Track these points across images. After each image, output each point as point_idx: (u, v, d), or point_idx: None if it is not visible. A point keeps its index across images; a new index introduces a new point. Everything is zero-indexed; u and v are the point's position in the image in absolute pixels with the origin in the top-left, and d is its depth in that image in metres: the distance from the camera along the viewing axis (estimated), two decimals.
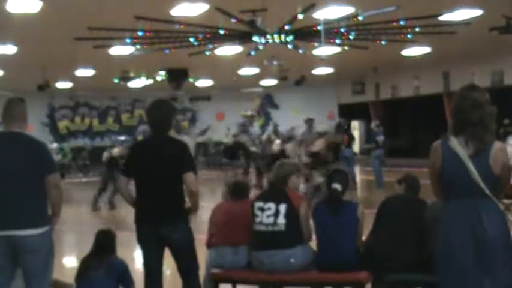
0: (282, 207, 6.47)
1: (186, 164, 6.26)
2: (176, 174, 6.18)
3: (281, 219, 6.43)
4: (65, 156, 26.55)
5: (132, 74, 27.21)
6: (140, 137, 32.48)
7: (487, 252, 4.64)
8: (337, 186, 6.62)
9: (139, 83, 28.97)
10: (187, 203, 6.36)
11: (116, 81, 27.71)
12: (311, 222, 6.66)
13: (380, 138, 21.39)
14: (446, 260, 4.80)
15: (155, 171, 6.20)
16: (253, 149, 19.12)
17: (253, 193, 7.97)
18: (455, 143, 4.75)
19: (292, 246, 6.40)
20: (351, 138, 21.07)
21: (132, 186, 6.40)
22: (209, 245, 7.13)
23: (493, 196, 4.68)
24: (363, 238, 6.67)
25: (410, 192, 6.85)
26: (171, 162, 6.21)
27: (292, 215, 6.46)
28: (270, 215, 6.47)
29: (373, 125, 22.69)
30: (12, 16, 14.98)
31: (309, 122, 18.39)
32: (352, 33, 18.66)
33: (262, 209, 6.54)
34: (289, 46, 18.87)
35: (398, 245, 6.19)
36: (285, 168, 6.93)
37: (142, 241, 6.32)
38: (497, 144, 4.75)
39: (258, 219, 6.53)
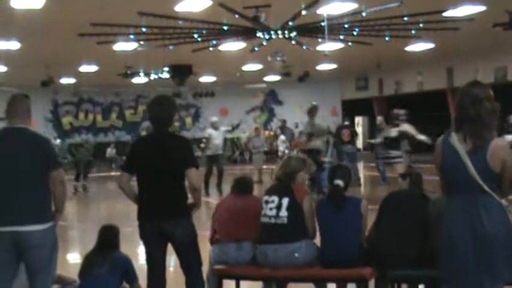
0: (285, 200, 6.50)
1: (188, 159, 6.27)
2: (178, 170, 6.19)
3: (283, 212, 6.45)
4: (70, 152, 26.22)
5: (138, 70, 27.19)
6: (144, 133, 32.58)
7: (486, 249, 4.62)
8: (339, 182, 6.62)
9: (142, 79, 28.97)
10: (190, 199, 6.37)
11: (120, 76, 27.67)
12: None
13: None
14: (448, 256, 4.80)
15: (157, 167, 6.20)
16: (421, 137, 17.96)
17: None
18: (454, 139, 4.75)
19: (296, 240, 6.40)
20: (354, 134, 21.05)
21: (133, 182, 6.41)
22: (212, 241, 7.13)
23: (493, 192, 4.67)
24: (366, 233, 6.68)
25: (414, 187, 6.85)
26: (173, 158, 6.21)
27: (294, 208, 6.48)
28: (272, 208, 6.51)
29: (379, 121, 22.65)
30: (16, 12, 15.02)
31: (405, 116, 17.73)
32: (356, 29, 18.66)
33: (266, 202, 6.59)
34: (293, 42, 18.87)
35: (401, 241, 6.19)
36: (293, 164, 6.94)
37: (145, 237, 6.33)
38: (496, 141, 4.72)
39: (263, 212, 6.58)
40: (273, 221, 6.47)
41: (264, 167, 25.32)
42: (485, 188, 4.63)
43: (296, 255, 6.37)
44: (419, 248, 6.12)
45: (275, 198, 6.55)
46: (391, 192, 7.03)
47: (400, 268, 6.15)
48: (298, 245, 6.40)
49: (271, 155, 31.61)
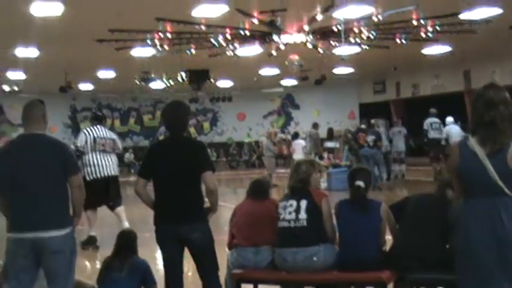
0: (303, 203, 6.51)
1: (203, 163, 6.29)
2: (194, 174, 6.20)
3: (303, 215, 6.46)
4: None
5: (152, 75, 27.26)
6: (161, 138, 32.65)
7: (508, 252, 4.55)
8: (360, 183, 6.63)
9: (160, 84, 29.04)
10: (207, 203, 6.39)
11: (137, 82, 27.74)
12: (334, 220, 6.69)
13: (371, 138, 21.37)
14: (466, 260, 4.72)
15: (173, 172, 6.22)
16: None
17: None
18: (473, 142, 4.67)
19: (315, 243, 6.40)
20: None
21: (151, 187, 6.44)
22: (231, 246, 7.15)
23: None
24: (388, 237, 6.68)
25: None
26: (188, 162, 6.23)
27: (313, 210, 6.49)
28: (291, 211, 6.52)
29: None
30: (35, 19, 15.10)
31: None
32: (372, 33, 18.65)
33: (284, 207, 6.60)
34: (309, 46, 18.88)
35: (421, 244, 6.18)
36: (304, 169, 6.94)
37: (162, 242, 6.34)
38: None
39: (281, 217, 6.59)
40: (292, 224, 6.48)
41: (281, 170, 25.29)
42: (506, 190, 4.56)
43: (314, 258, 6.37)
44: (439, 251, 6.10)
45: (293, 202, 6.57)
46: (412, 195, 7.02)
47: (420, 271, 6.13)
48: (317, 249, 6.40)
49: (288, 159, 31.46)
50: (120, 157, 35.26)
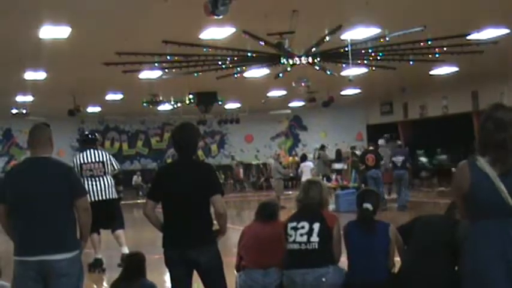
0: (316, 226, 6.50)
1: (213, 186, 6.28)
2: (203, 197, 6.20)
3: (315, 238, 6.45)
4: None
5: (160, 98, 27.28)
6: (169, 160, 32.65)
7: None
8: (368, 205, 6.63)
9: (168, 106, 29.07)
10: (215, 226, 6.37)
11: (144, 104, 27.72)
12: (343, 242, 6.68)
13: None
14: (476, 281, 4.63)
15: (182, 195, 6.20)
16: None
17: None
18: (483, 163, 4.60)
19: (324, 265, 6.41)
20: (379, 159, 20.98)
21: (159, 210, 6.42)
22: (239, 268, 7.13)
23: None
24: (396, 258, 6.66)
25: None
26: (198, 185, 6.22)
27: (325, 234, 6.48)
28: (303, 234, 6.51)
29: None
30: (43, 42, 15.16)
31: None
32: (380, 54, 18.67)
33: (295, 229, 6.58)
34: (317, 67, 18.89)
35: (429, 266, 6.15)
36: (317, 189, 6.92)
37: (171, 265, 6.32)
38: None
39: (291, 239, 6.57)
40: (303, 247, 6.47)
41: (289, 192, 25.21)
42: None
43: (323, 279, 6.36)
44: (447, 273, 6.07)
45: (305, 224, 6.55)
46: (420, 216, 7.00)
47: None
48: (326, 270, 6.40)
49: (296, 181, 31.40)
50: (128, 180, 35.43)
